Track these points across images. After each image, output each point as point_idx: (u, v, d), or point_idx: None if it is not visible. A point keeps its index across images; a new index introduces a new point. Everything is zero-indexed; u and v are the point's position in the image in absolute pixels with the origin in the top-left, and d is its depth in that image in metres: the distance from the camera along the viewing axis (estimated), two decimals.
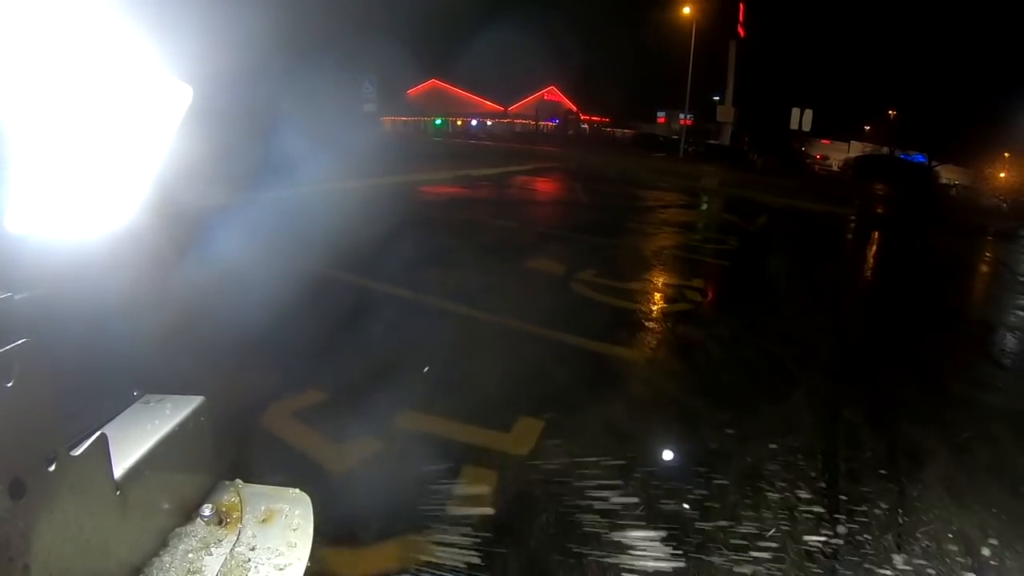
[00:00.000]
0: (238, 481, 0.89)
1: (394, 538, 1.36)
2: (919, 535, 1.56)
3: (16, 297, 0.59)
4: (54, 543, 0.56)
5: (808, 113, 26.59)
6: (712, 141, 31.55)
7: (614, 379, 2.53)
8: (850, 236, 9.10)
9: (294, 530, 0.81)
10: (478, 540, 1.37)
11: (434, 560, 1.31)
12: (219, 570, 0.72)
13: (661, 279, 4.51)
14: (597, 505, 1.55)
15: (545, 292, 3.75)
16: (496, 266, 4.34)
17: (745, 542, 1.47)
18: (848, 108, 40.72)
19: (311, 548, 0.78)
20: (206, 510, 0.80)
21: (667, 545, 1.42)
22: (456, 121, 36.64)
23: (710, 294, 4.34)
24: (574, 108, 44.18)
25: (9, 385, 0.51)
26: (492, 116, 40.40)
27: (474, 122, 37.89)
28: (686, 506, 1.58)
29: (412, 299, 3.26)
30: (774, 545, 1.47)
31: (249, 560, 0.75)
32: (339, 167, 7.61)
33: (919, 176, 29.16)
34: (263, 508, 0.84)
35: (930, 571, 1.42)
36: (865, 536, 1.52)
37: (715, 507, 1.59)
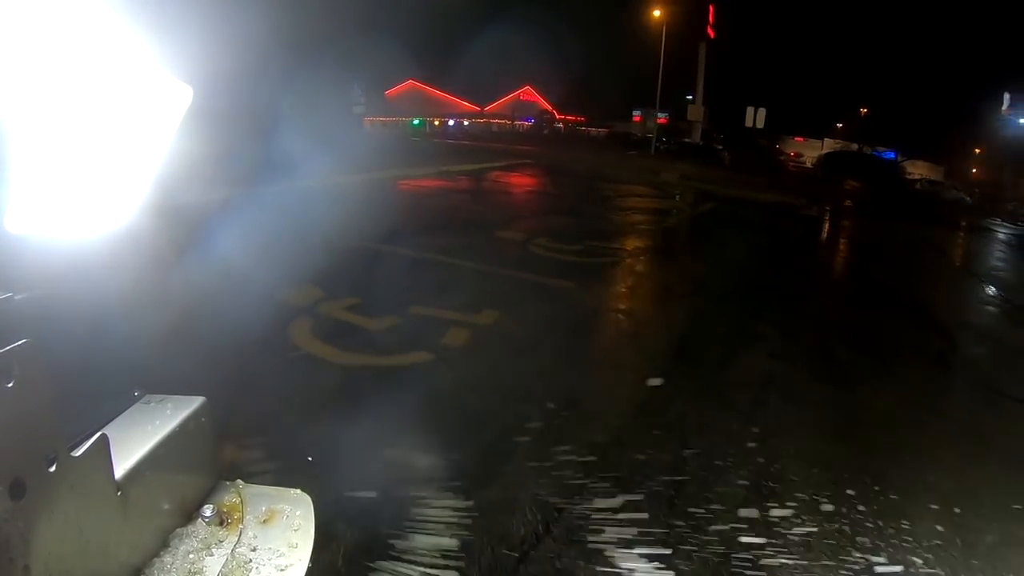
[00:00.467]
0: (239, 482, 0.89)
1: (410, 352, 2.83)
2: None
3: (16, 297, 0.59)
4: (54, 544, 0.56)
5: (762, 112, 28.12)
6: (684, 139, 32.56)
7: (552, 296, 4.09)
8: (782, 219, 10.51)
9: (295, 531, 0.81)
10: (460, 352, 2.92)
11: (432, 354, 2.84)
12: (220, 570, 0.72)
13: (600, 243, 6.05)
14: (528, 344, 3.15)
15: (508, 250, 5.32)
16: (472, 235, 5.85)
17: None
18: (822, 107, 43.36)
19: (312, 548, 0.78)
20: (207, 510, 0.80)
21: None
22: (433, 121, 36.94)
23: (637, 252, 6.02)
24: (550, 108, 45.10)
25: (9, 386, 0.51)
26: (469, 116, 41.25)
27: (451, 122, 38.40)
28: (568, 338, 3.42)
29: (412, 255, 4.80)
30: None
31: (250, 561, 0.74)
32: (335, 164, 8.84)
33: (885, 171, 30.05)
34: (264, 508, 0.84)
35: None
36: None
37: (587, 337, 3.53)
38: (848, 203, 15.88)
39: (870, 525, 1.81)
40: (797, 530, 1.76)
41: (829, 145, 41.30)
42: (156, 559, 0.72)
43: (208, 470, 0.86)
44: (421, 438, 2.04)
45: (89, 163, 0.61)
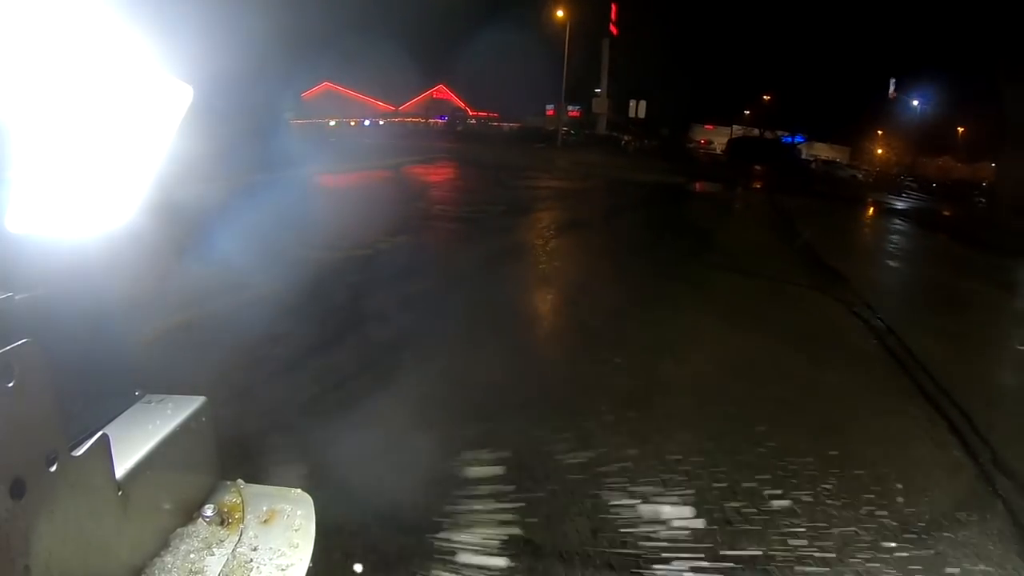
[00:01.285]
0: (240, 481, 0.89)
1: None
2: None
3: (16, 297, 0.59)
4: (55, 544, 0.56)
5: (643, 103, 32.05)
6: (588, 131, 35.23)
7: (441, 230, 7.02)
8: (649, 190, 12.98)
9: (296, 530, 0.81)
10: (389, 247, 5.78)
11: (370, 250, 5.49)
12: (221, 570, 0.72)
13: (481, 204, 8.83)
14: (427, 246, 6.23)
15: (416, 213, 7.94)
16: (392, 206, 8.44)
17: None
18: (731, 95, 46.77)
19: (313, 548, 0.78)
20: (208, 510, 0.80)
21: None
22: (350, 122, 37.21)
23: (511, 209, 8.60)
24: (462, 105, 46.37)
25: (10, 385, 0.51)
26: (384, 116, 41.85)
27: (367, 122, 38.70)
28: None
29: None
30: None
31: (251, 560, 0.74)
32: (269, 163, 10.44)
33: (784, 154, 33.02)
34: (265, 508, 0.84)
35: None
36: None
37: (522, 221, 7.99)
38: (731, 180, 18.23)
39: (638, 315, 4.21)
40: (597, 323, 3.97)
41: (737, 132, 44.06)
42: (157, 559, 0.72)
43: (209, 470, 0.86)
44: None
45: (89, 163, 0.61)
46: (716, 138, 45.75)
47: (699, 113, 47.33)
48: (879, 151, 44.55)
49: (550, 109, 39.62)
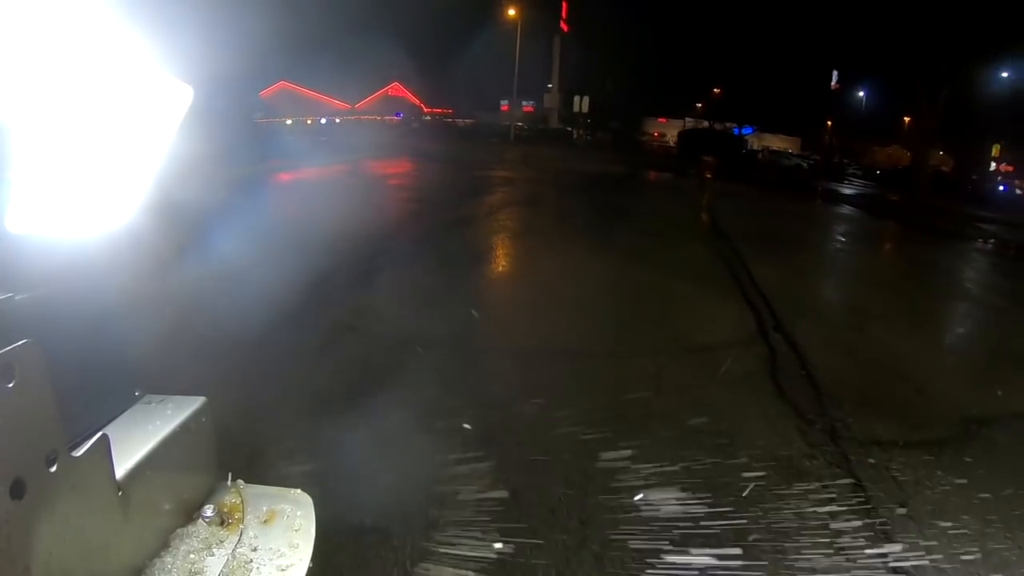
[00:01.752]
0: (239, 482, 0.88)
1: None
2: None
3: (16, 297, 0.59)
4: (55, 544, 0.56)
5: (586, 99, 32.66)
6: (541, 125, 36.67)
7: (385, 204, 8.84)
8: (586, 177, 14.37)
9: (296, 531, 0.81)
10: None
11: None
12: (221, 571, 0.72)
13: (436, 190, 10.42)
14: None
15: (377, 200, 8.99)
16: (357, 194, 9.22)
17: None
18: (683, 89, 48.70)
19: (313, 548, 0.78)
20: (208, 511, 0.80)
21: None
22: (307, 120, 37.36)
23: (463, 194, 9.64)
24: (418, 102, 47.49)
25: (10, 386, 0.51)
26: (340, 114, 42.10)
27: (323, 120, 38.95)
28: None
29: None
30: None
31: (251, 561, 0.74)
32: (240, 160, 11.03)
33: (732, 145, 34.87)
34: (265, 509, 0.84)
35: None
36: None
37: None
38: (670, 168, 20.02)
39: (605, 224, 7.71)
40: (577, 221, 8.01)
41: (689, 124, 46.01)
42: (157, 559, 0.72)
43: (209, 470, 0.86)
44: None
45: (89, 163, 0.61)
46: (669, 131, 47.67)
47: (652, 107, 49.65)
48: (830, 141, 46.36)
49: (504, 105, 40.45)
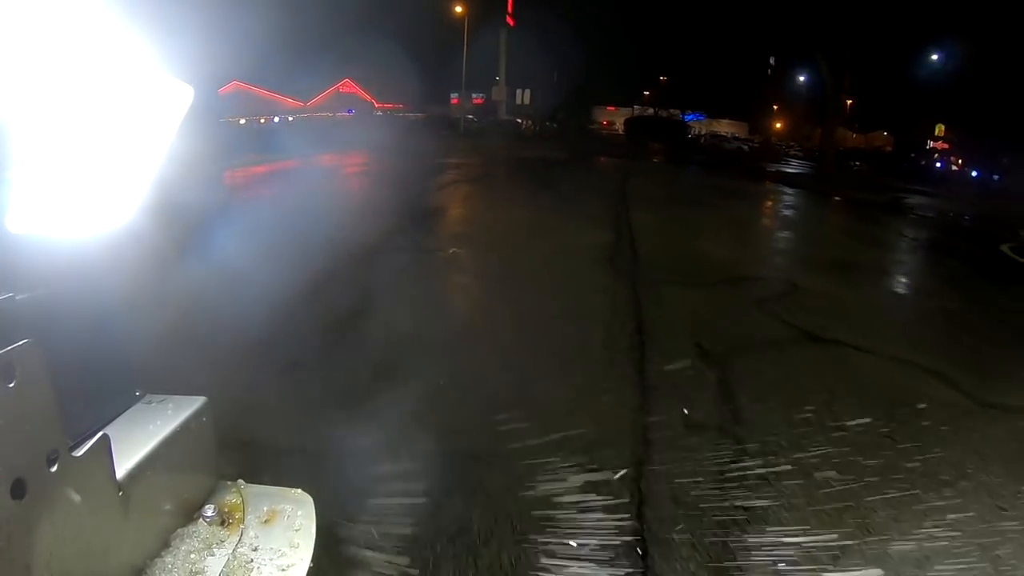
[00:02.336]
0: (240, 481, 0.88)
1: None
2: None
3: (17, 297, 0.59)
4: (56, 544, 0.56)
5: (527, 92, 35.05)
6: (491, 117, 37.50)
7: (344, 183, 10.42)
8: (532, 164, 15.47)
9: (296, 530, 0.81)
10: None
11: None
12: (222, 570, 0.72)
13: (389, 174, 11.73)
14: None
15: (340, 181, 10.56)
16: (316, 184, 9.72)
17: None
18: (631, 78, 50.71)
19: (313, 548, 0.78)
20: (208, 510, 0.80)
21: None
22: (260, 119, 37.56)
23: (413, 178, 10.81)
24: (369, 98, 47.96)
25: (11, 386, 0.51)
26: (293, 112, 42.48)
27: (276, 119, 39.11)
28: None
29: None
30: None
31: (252, 560, 0.74)
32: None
33: (676, 130, 36.58)
34: (265, 508, 0.84)
35: None
36: None
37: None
38: (607, 153, 21.80)
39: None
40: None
41: (638, 112, 47.98)
42: (157, 559, 0.72)
43: (209, 470, 0.86)
44: None
45: (89, 163, 0.61)
46: (617, 119, 49.56)
47: (601, 96, 51.61)
48: (777, 125, 47.08)
49: (454, 98, 41.27)
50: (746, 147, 37.64)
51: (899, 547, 1.53)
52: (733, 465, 1.88)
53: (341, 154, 16.26)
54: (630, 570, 1.38)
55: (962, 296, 4.82)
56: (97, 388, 0.75)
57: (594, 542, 1.45)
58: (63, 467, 0.57)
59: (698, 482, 1.76)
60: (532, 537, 1.45)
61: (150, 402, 0.81)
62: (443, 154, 16.75)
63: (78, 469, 0.59)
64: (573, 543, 1.44)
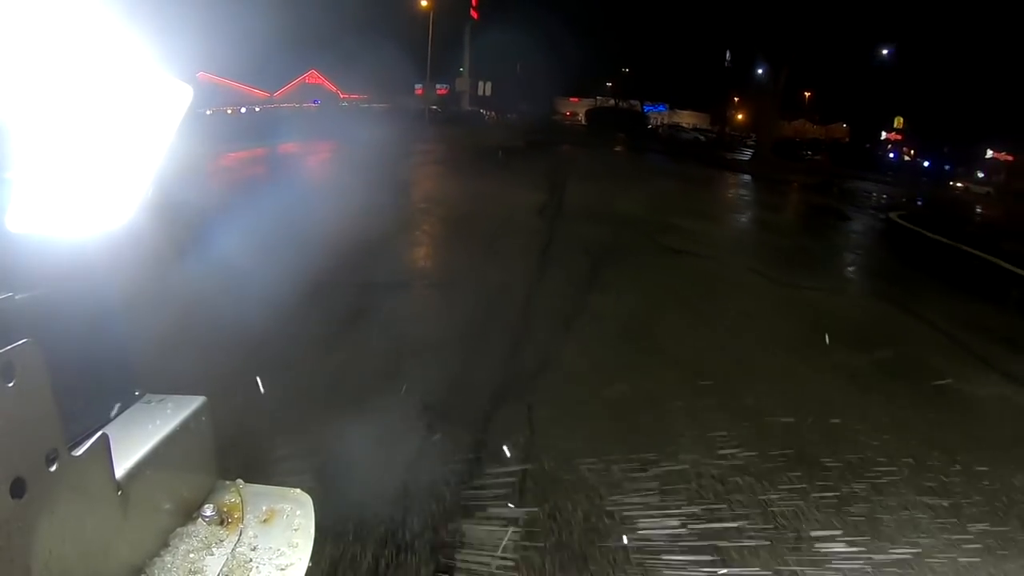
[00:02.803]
0: (239, 481, 0.89)
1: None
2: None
3: (16, 297, 0.59)
4: (55, 543, 0.56)
5: (488, 83, 36.50)
6: (455, 107, 39.04)
7: (316, 170, 12.21)
8: (490, 149, 16.77)
9: (296, 530, 0.81)
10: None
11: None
12: (221, 570, 0.72)
13: (355, 160, 13.16)
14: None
15: (317, 167, 12.42)
16: (299, 167, 11.54)
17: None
18: (594, 70, 52.23)
19: (313, 548, 0.78)
20: (207, 510, 0.80)
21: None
22: (227, 110, 37.49)
23: (379, 162, 11.83)
24: (334, 89, 48.28)
25: (10, 385, 0.51)
26: (260, 103, 42.45)
27: (243, 109, 39.22)
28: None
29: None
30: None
31: (251, 560, 0.74)
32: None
33: (635, 121, 38.57)
34: (264, 508, 0.84)
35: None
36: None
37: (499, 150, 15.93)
38: (563, 141, 23.39)
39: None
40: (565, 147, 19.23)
41: (600, 103, 50.16)
42: (157, 558, 0.72)
43: (208, 469, 0.86)
44: None
45: (89, 163, 0.61)
46: (580, 110, 51.46)
47: (565, 87, 53.55)
48: (739, 116, 48.07)
49: (419, 88, 41.67)
50: (703, 137, 39.40)
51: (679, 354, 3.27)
52: (589, 291, 4.04)
53: (312, 142, 17.05)
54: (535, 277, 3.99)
55: (818, 239, 6.56)
56: (97, 388, 0.75)
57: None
58: (63, 466, 0.57)
59: (567, 289, 4.09)
60: None
61: (149, 401, 0.81)
62: (409, 142, 18.01)
63: (78, 468, 0.59)
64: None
